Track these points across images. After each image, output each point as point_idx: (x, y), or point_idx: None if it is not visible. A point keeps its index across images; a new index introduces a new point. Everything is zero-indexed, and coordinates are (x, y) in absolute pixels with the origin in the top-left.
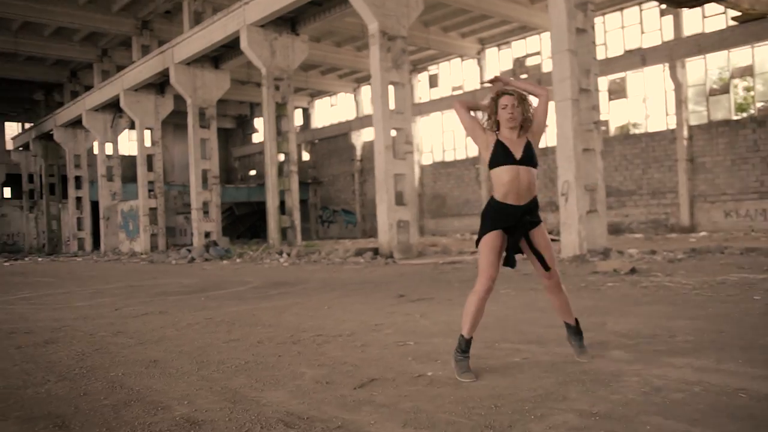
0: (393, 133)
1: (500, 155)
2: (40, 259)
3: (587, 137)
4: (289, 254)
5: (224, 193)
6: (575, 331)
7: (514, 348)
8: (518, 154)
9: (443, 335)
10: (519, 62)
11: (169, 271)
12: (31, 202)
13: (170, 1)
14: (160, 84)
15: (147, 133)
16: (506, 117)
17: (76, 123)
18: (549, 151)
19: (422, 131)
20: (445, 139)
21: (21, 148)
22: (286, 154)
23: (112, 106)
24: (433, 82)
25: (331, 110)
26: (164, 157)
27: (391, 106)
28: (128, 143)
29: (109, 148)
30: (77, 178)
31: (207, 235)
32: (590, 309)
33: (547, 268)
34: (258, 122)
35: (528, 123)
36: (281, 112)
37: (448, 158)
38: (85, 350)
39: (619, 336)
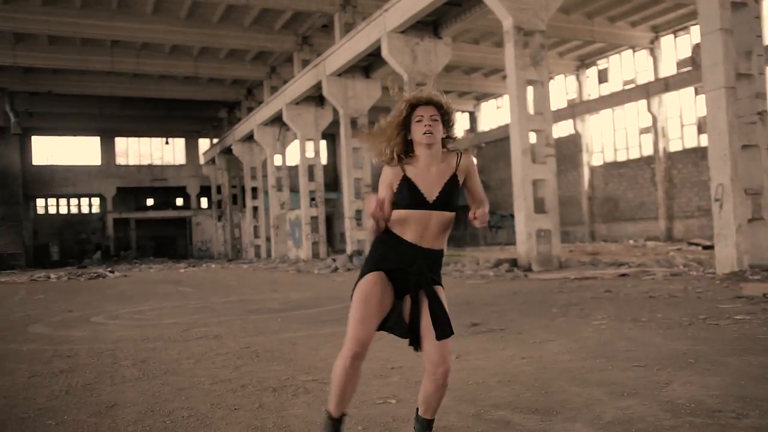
0: (532, 136)
1: (406, 198)
2: (213, 266)
3: (748, 131)
4: None
5: None
6: (426, 426)
7: (508, 421)
8: (433, 194)
9: (462, 393)
10: (699, 49)
11: (299, 282)
12: (219, 212)
13: (325, 15)
14: (318, 96)
15: (309, 144)
16: (421, 132)
17: (250, 137)
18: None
19: (592, 130)
20: (617, 138)
21: (210, 162)
22: None
23: (279, 120)
24: (602, 77)
25: (497, 113)
26: (337, 166)
27: (530, 106)
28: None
29: (278, 159)
30: (253, 189)
31: (360, 243)
32: (672, 357)
33: (444, 333)
34: None
35: (449, 143)
36: None
37: (621, 158)
38: (82, 383)
39: (668, 409)
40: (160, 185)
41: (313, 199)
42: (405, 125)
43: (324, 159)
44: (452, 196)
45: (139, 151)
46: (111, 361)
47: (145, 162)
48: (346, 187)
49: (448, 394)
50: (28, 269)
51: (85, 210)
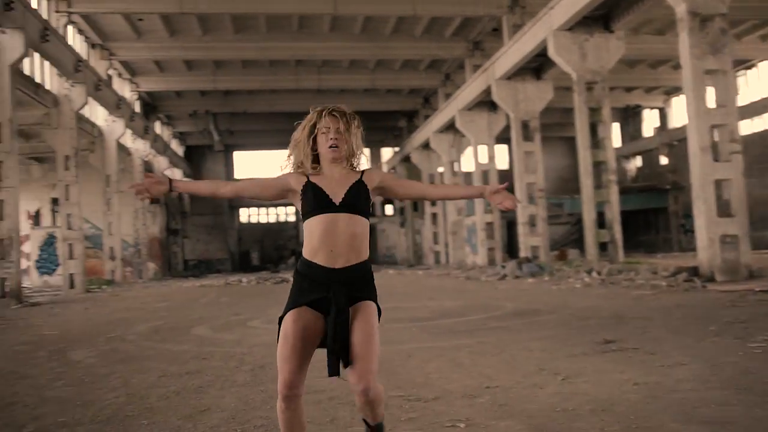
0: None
1: (311, 201)
2: (390, 272)
3: None
4: (599, 272)
5: (572, 203)
6: (375, 429)
7: None
8: (338, 196)
9: (540, 421)
10: None
11: (462, 290)
12: (401, 219)
13: (494, 18)
14: (490, 101)
15: (483, 149)
16: (327, 145)
17: (427, 145)
18: None
19: None
20: None
21: (392, 171)
22: (603, 163)
23: (452, 127)
24: None
25: None
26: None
27: (710, 99)
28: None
29: (454, 166)
30: None
31: (533, 249)
32: None
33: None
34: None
35: (354, 159)
36: (596, 117)
37: None
38: (196, 385)
39: None
40: None
41: (488, 205)
42: (309, 137)
43: (506, 164)
44: (359, 198)
45: None
46: (235, 365)
47: None
48: (518, 191)
49: (523, 420)
50: (233, 273)
51: (282, 219)
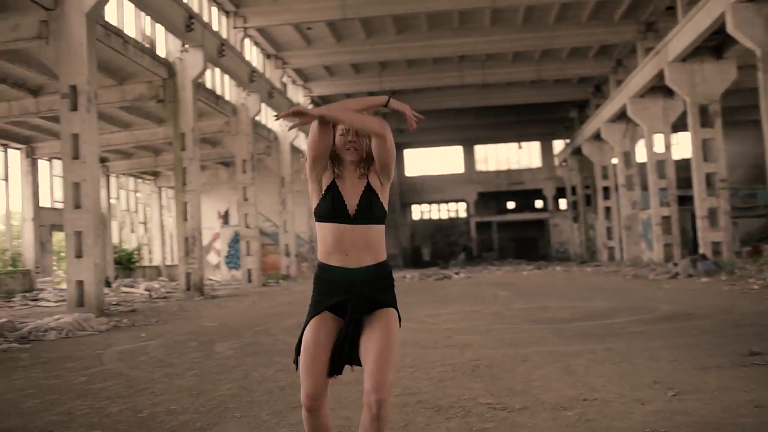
0: None
1: (329, 206)
2: (558, 269)
3: None
4: None
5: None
6: None
7: None
8: (353, 207)
9: None
10: None
11: (622, 289)
12: (574, 213)
13: None
14: (665, 86)
15: (659, 138)
16: (345, 147)
17: (598, 136)
18: None
19: None
20: None
21: (563, 163)
22: None
23: (624, 116)
24: None
25: None
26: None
27: None
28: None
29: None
30: (605, 189)
31: (714, 245)
32: None
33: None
34: None
35: (371, 161)
36: None
37: None
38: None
39: None
40: (517, 189)
41: (665, 198)
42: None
43: (688, 152)
44: (371, 207)
45: (497, 156)
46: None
47: (503, 167)
48: (696, 182)
49: None
50: (404, 269)
51: (453, 215)
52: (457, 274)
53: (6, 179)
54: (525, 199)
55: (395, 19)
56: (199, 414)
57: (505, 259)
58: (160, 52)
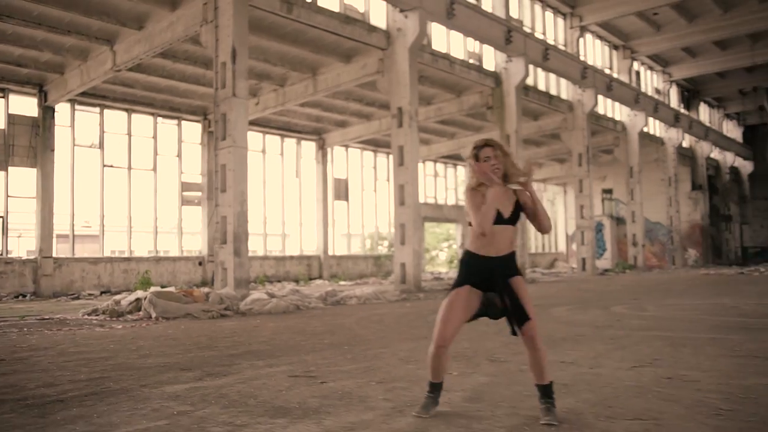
0: None
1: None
2: None
3: None
4: None
5: None
6: (545, 391)
7: None
8: (507, 211)
9: None
10: None
11: None
12: None
13: None
14: None
15: None
16: (490, 168)
17: None
18: None
19: None
20: None
21: None
22: None
23: None
24: None
25: None
26: None
27: None
28: None
29: None
30: None
31: None
32: None
33: (524, 318)
34: None
35: (511, 177)
36: None
37: None
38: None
39: None
40: None
41: None
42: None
43: None
44: (516, 213)
45: None
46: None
47: None
48: None
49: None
50: None
51: None
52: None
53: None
54: None
55: None
56: (279, 358)
57: None
58: (489, 65)
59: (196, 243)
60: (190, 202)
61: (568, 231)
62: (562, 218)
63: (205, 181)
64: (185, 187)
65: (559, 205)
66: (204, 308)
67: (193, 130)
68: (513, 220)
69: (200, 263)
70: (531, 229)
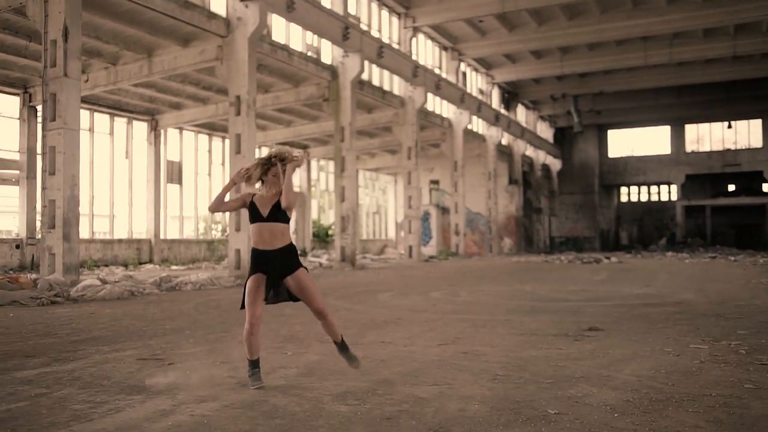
0: None
1: (252, 214)
2: (719, 258)
3: None
4: None
5: None
6: (341, 347)
7: None
8: (265, 211)
9: None
10: None
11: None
12: None
13: None
14: None
15: None
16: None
17: None
18: None
19: None
20: None
21: None
22: None
23: None
24: None
25: None
26: None
27: None
28: None
29: None
30: None
31: None
32: None
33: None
34: None
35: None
36: None
37: None
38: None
39: None
40: (731, 171)
41: None
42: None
43: None
44: (278, 212)
45: (710, 136)
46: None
47: (716, 147)
48: None
49: None
50: (600, 252)
51: (664, 198)
52: (608, 259)
53: None
54: (748, 181)
55: (563, 7)
56: (207, 337)
57: (718, 247)
58: (327, 59)
59: (11, 224)
60: (7, 181)
61: (397, 219)
62: (392, 207)
63: (25, 159)
64: (1, 164)
65: (389, 194)
66: (32, 295)
67: (11, 103)
68: (272, 218)
69: (17, 246)
70: (363, 216)
